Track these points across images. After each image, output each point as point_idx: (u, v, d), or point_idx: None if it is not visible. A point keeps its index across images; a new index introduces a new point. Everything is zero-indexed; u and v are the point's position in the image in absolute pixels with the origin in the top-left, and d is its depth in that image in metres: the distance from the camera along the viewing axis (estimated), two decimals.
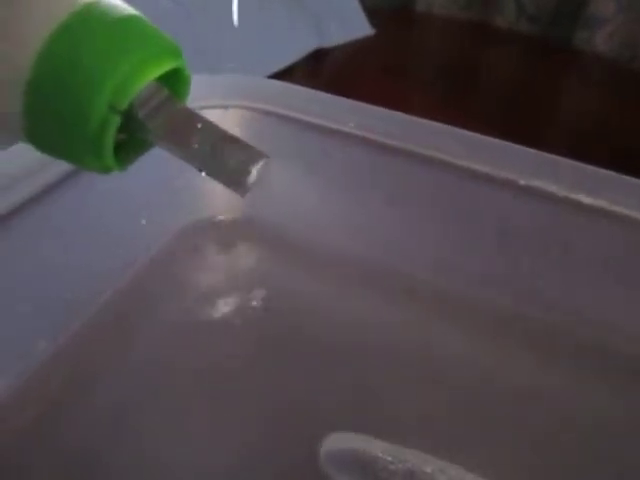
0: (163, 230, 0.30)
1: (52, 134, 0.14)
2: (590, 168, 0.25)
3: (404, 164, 0.27)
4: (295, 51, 0.53)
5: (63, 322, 0.25)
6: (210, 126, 0.15)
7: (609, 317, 0.26)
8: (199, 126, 0.15)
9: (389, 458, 0.21)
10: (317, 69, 0.54)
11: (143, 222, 0.28)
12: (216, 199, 0.31)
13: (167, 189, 0.29)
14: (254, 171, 0.14)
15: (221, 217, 0.32)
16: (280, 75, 0.50)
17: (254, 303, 0.28)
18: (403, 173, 0.28)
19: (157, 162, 0.29)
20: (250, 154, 0.15)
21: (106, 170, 0.15)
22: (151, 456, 0.22)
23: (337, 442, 0.22)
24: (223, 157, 0.14)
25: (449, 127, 0.27)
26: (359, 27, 0.59)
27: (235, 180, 0.14)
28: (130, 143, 0.15)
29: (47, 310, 0.24)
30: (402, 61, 0.59)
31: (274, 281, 0.30)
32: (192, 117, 0.15)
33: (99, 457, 0.22)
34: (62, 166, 0.24)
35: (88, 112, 0.13)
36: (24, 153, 0.24)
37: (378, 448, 0.22)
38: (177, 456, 0.22)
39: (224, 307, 0.28)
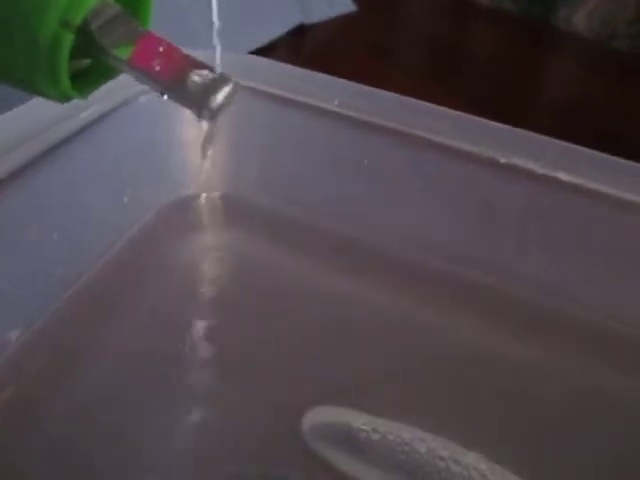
0: (145, 208, 0.30)
1: (3, 56, 0.13)
2: (569, 146, 0.26)
3: (386, 142, 0.27)
4: (278, 27, 0.52)
5: (43, 301, 0.25)
6: (173, 48, 0.14)
7: (589, 293, 0.26)
8: (161, 49, 0.14)
9: (370, 430, 0.22)
10: (300, 45, 0.54)
11: (125, 199, 0.28)
12: (198, 177, 0.31)
13: (149, 167, 0.29)
14: (220, 96, 0.14)
15: (203, 195, 0.31)
16: (262, 51, 0.49)
17: (237, 281, 0.29)
18: (385, 151, 0.28)
19: (139, 141, 0.29)
20: (215, 78, 0.14)
21: (64, 97, 0.14)
22: (132, 434, 0.22)
23: (319, 415, 0.22)
24: (187, 81, 0.14)
25: (431, 105, 0.27)
26: (341, 3, 0.58)
27: (199, 105, 0.14)
28: (92, 70, 0.15)
29: (26, 288, 0.24)
30: (385, 38, 0.58)
31: (257, 259, 0.30)
32: (153, 39, 0.14)
33: (79, 438, 0.22)
34: (42, 144, 0.24)
35: (38, 28, 0.13)
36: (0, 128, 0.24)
37: (359, 420, 0.22)
38: (158, 433, 0.22)
39: (206, 285, 0.28)
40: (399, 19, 0.64)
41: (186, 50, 0.16)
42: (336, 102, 0.28)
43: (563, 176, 0.25)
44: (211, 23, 0.47)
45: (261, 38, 0.50)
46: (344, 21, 0.58)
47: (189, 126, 0.29)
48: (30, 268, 0.24)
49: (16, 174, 0.23)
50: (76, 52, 0.14)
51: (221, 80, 0.14)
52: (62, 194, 0.25)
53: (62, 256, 0.26)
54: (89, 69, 0.15)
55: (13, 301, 0.24)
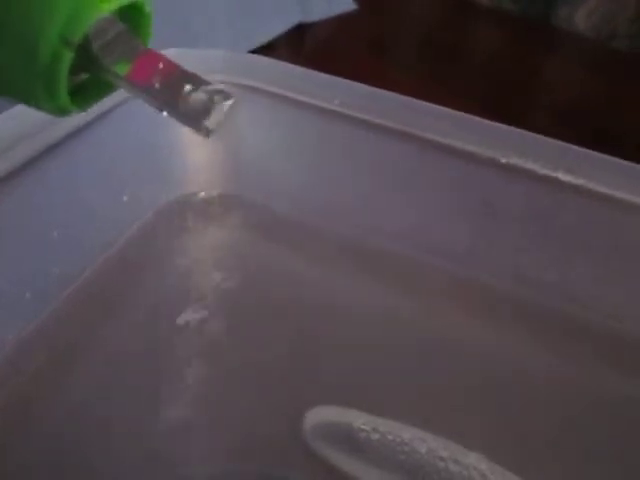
0: (145, 207, 0.30)
1: (1, 71, 0.13)
2: (570, 146, 0.26)
3: (387, 141, 0.27)
4: (278, 25, 0.52)
5: (41, 299, 0.25)
6: (172, 65, 0.14)
7: (589, 293, 0.26)
8: (160, 65, 0.14)
9: (370, 430, 0.22)
10: (299, 44, 0.54)
11: (125, 198, 0.28)
12: (198, 176, 0.31)
13: (149, 166, 0.29)
14: (218, 112, 0.14)
15: (203, 194, 0.31)
16: (262, 50, 0.49)
17: (236, 280, 0.29)
18: (386, 150, 0.28)
19: (138, 139, 0.28)
20: (214, 95, 0.14)
21: (62, 111, 0.14)
22: (131, 433, 0.22)
23: (320, 415, 0.23)
24: (186, 98, 0.14)
25: (431, 105, 0.27)
26: (341, 2, 0.58)
27: (198, 121, 0.14)
28: (91, 84, 0.15)
29: (24, 287, 0.24)
30: (385, 38, 0.58)
31: (257, 258, 0.30)
32: (153, 55, 0.14)
33: (78, 437, 0.22)
34: (41, 142, 0.23)
35: (37, 45, 0.13)
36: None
37: (360, 420, 0.22)
38: (158, 433, 0.22)
39: (206, 285, 0.28)
40: (399, 19, 0.64)
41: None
42: (337, 101, 0.27)
43: (563, 176, 0.25)
44: (211, 23, 0.48)
45: (261, 37, 0.50)
46: (344, 20, 0.58)
47: None
48: (29, 267, 0.24)
49: (15, 173, 0.23)
50: (74, 68, 0.14)
51: (221, 97, 0.14)
52: (61, 193, 0.25)
53: (61, 255, 0.26)
54: (88, 83, 0.15)
55: (11, 299, 0.24)
